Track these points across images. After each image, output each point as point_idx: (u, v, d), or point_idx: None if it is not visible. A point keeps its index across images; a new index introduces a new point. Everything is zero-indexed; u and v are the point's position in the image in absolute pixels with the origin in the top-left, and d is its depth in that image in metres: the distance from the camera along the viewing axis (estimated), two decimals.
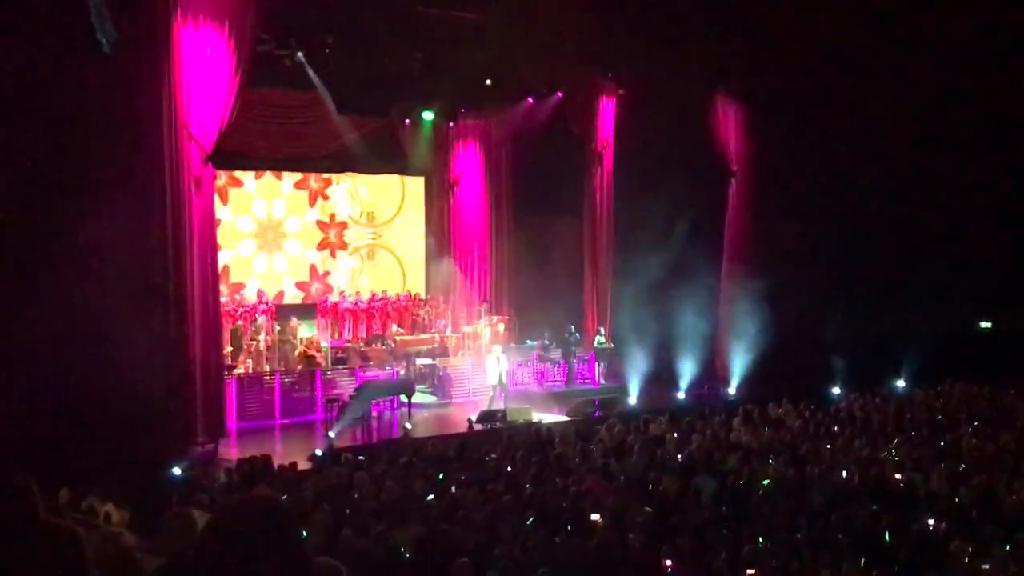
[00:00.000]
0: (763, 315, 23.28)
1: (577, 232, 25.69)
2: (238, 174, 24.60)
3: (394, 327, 24.52)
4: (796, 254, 24.21)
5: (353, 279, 26.40)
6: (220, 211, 23.25)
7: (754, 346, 23.55)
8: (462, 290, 26.27)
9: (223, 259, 23.31)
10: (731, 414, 17.86)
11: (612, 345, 24.50)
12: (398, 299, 25.78)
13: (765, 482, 12.29)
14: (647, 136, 23.69)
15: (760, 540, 9.71)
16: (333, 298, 25.16)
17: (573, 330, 23.98)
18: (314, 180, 25.88)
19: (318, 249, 25.98)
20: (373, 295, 25.45)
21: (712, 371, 24.50)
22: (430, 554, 9.10)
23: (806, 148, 23.83)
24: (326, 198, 26.00)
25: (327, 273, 26.00)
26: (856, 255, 24.37)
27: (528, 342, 24.84)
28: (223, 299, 20.98)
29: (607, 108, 24.66)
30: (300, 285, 25.73)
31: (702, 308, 24.21)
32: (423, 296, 26.76)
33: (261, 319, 22.37)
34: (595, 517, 10.42)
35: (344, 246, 26.40)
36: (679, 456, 14.04)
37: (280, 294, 25.15)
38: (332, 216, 26.12)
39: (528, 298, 25.73)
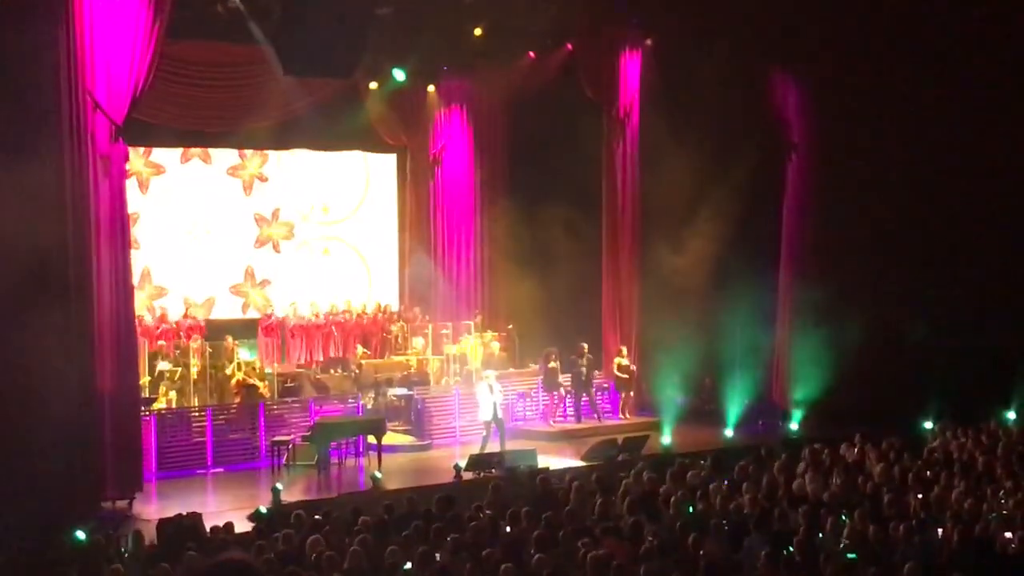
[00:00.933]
0: (834, 329, 23.27)
1: (593, 223, 25.71)
2: (158, 158, 24.64)
3: (359, 348, 24.51)
4: (876, 250, 24.19)
5: (302, 284, 26.41)
6: (139, 203, 23.61)
7: (822, 368, 23.54)
8: (446, 299, 26.28)
9: (143, 260, 23.46)
10: (793, 456, 17.85)
11: (638, 368, 24.52)
12: (364, 312, 25.79)
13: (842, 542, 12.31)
14: (682, 99, 23.68)
15: None
16: (280, 312, 25.15)
17: (586, 349, 23.98)
18: (251, 163, 25.91)
19: (256, 246, 26.02)
20: (332, 308, 25.48)
21: (768, 401, 24.50)
22: None
23: (887, 113, 23.81)
24: (264, 180, 26.00)
25: (266, 282, 25.97)
26: (954, 253, 24.28)
27: (531, 365, 24.85)
28: (139, 313, 21.05)
29: (630, 63, 24.72)
30: (237, 290, 25.75)
31: (755, 319, 24.21)
32: (395, 307, 26.79)
33: (193, 340, 22.35)
34: None
35: (290, 236, 26.44)
36: (727, 512, 14.03)
37: (210, 302, 25.18)
38: (276, 212, 26.14)
39: (531, 309, 25.72)
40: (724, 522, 13.56)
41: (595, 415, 23.80)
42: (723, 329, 23.94)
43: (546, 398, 23.86)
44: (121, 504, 16.84)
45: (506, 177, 26.68)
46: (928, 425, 21.93)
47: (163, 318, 23.02)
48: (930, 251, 24.09)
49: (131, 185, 23.45)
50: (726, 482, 15.68)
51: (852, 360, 23.07)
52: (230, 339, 22.44)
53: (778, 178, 25.13)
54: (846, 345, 23.12)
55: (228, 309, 25.51)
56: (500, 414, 20.67)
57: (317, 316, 24.94)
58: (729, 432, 22.98)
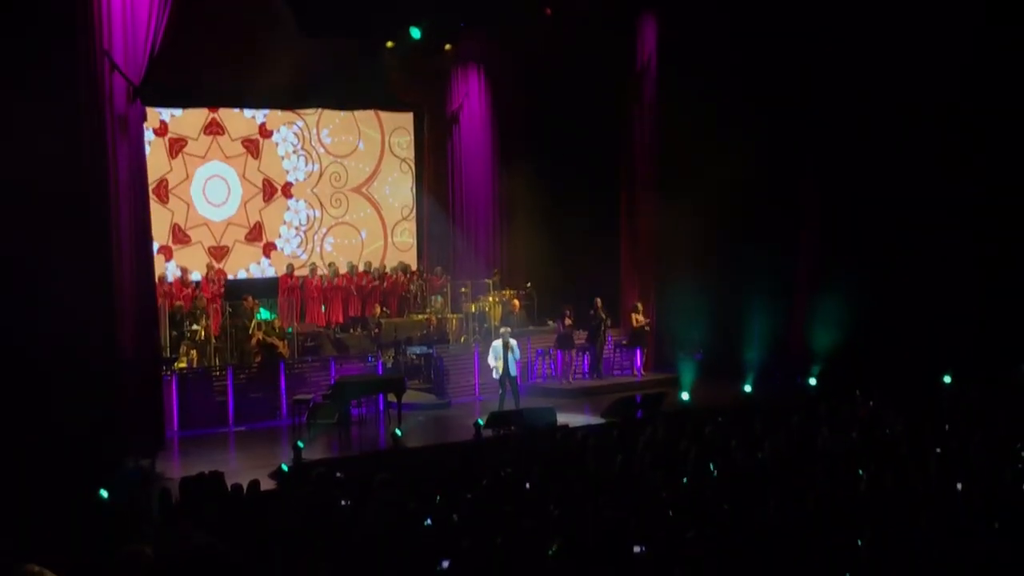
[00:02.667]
0: (853, 282, 23.17)
1: (611, 181, 25.60)
2: (180, 129, 24.65)
3: (378, 307, 24.56)
4: (898, 204, 24.00)
5: (321, 245, 26.42)
6: (174, 169, 24.50)
7: (843, 321, 23.46)
8: (464, 258, 26.26)
9: (174, 216, 24.11)
10: (812, 411, 17.85)
11: (655, 324, 24.47)
12: (383, 271, 25.79)
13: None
14: (703, 50, 23.46)
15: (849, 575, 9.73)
16: (300, 272, 25.19)
17: (600, 305, 23.92)
18: (267, 122, 25.94)
19: (264, 200, 25.99)
20: (351, 268, 25.49)
21: (787, 355, 24.46)
22: None
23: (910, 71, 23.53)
24: (267, 135, 25.92)
25: (271, 246, 25.93)
26: (979, 207, 23.99)
27: (550, 323, 24.85)
28: (160, 272, 21.13)
29: (648, 20, 24.54)
30: (251, 237, 25.80)
31: (774, 273, 24.11)
32: (414, 266, 26.80)
33: (213, 301, 22.38)
34: (638, 548, 10.44)
35: (307, 196, 26.46)
36: (745, 467, 14.04)
37: (225, 251, 25.18)
38: (286, 186, 26.13)
39: (549, 267, 25.71)
40: (743, 477, 13.58)
41: (596, 372, 23.87)
42: (742, 283, 23.88)
43: (565, 355, 23.86)
44: (144, 462, 16.93)
45: (524, 135, 26.57)
46: (947, 379, 21.90)
47: (184, 278, 23.06)
48: (953, 205, 23.83)
49: (162, 147, 23.92)
50: (745, 437, 15.69)
51: (871, 313, 22.99)
52: (250, 299, 22.49)
53: (798, 135, 24.93)
54: (865, 298, 23.04)
55: (246, 268, 25.53)
56: (514, 371, 20.67)
57: (336, 276, 24.97)
58: (748, 388, 22.96)
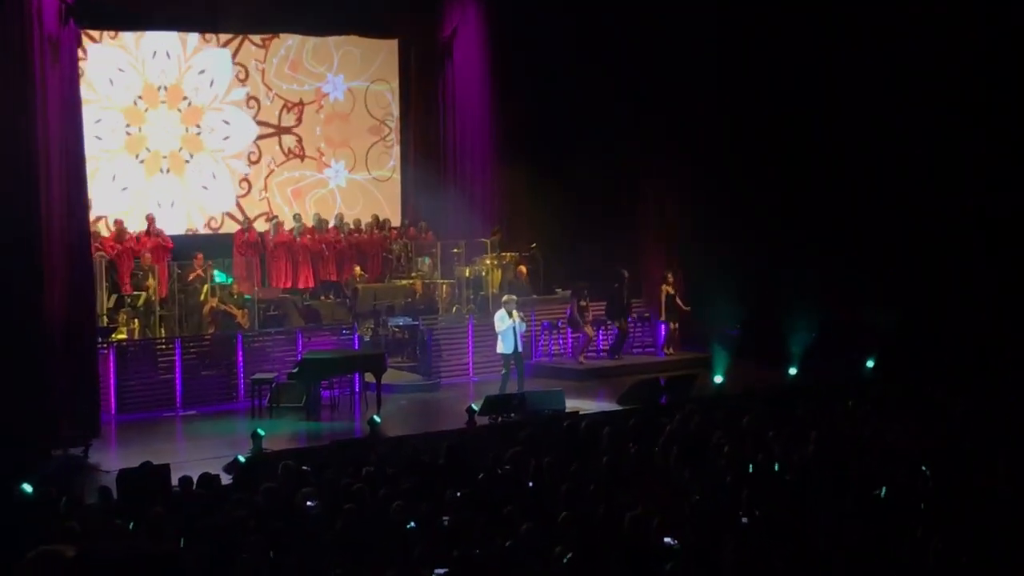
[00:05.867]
0: (919, 247, 23.18)
1: (631, 127, 25.51)
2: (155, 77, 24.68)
3: (357, 269, 24.47)
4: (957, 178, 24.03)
5: (287, 195, 26.35)
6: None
7: (904, 296, 23.47)
8: (457, 213, 26.16)
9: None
10: (867, 399, 17.88)
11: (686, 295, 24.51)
12: (360, 228, 25.67)
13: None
14: None
15: None
16: (261, 226, 25.06)
17: (626, 275, 23.90)
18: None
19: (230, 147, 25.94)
20: (322, 223, 25.45)
21: (840, 334, 24.45)
22: None
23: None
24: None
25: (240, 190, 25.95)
26: None
27: (558, 291, 24.83)
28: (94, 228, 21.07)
29: None
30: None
31: (823, 238, 24.09)
32: (397, 222, 26.71)
33: (157, 260, 22.35)
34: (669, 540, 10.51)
35: (273, 137, 26.37)
36: (788, 463, 14.07)
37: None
38: (256, 108, 26.03)
39: (559, 227, 25.63)
40: (785, 475, 13.62)
41: (616, 353, 23.85)
42: (786, 250, 23.87)
43: (576, 330, 23.83)
44: (76, 450, 16.96)
45: (527, 69, 26.22)
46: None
47: (121, 232, 22.82)
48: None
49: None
50: (788, 429, 15.73)
51: (941, 288, 23.01)
52: (200, 257, 22.32)
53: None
54: (929, 271, 23.06)
55: (197, 222, 25.41)
56: (521, 347, 20.64)
57: (305, 232, 24.82)
58: (793, 370, 22.96)
